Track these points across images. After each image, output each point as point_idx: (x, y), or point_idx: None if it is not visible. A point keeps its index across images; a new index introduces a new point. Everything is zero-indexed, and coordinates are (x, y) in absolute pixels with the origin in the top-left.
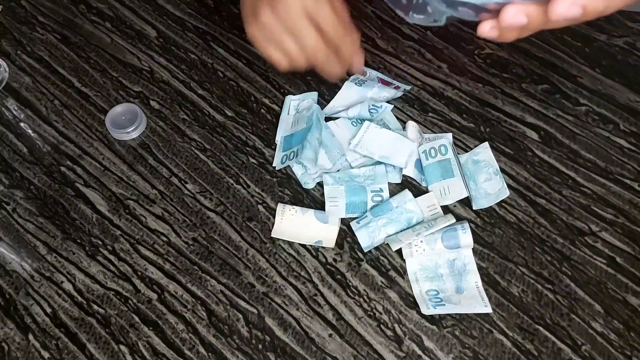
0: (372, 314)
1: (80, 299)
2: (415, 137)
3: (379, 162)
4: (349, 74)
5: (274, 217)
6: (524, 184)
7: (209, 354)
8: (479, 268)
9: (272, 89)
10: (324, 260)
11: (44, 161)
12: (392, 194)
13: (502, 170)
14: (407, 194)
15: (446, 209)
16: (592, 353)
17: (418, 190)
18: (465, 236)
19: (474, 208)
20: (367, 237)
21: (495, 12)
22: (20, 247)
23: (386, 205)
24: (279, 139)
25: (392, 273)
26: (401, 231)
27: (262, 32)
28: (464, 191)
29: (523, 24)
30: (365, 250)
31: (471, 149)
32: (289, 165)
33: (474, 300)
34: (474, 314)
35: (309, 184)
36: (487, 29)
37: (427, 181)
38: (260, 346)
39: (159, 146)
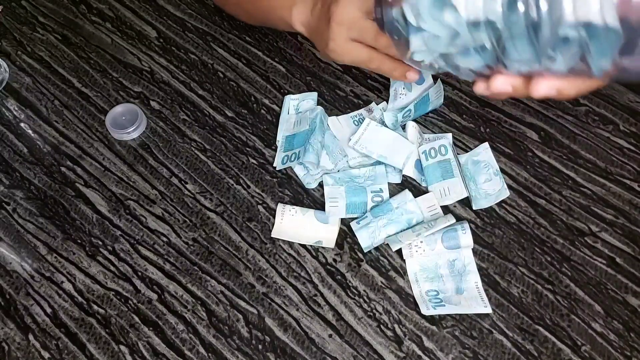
0: (372, 314)
1: (80, 299)
2: (415, 137)
3: (379, 162)
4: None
5: (274, 217)
6: (524, 185)
7: (209, 354)
8: (479, 268)
9: (272, 89)
10: (324, 260)
11: (45, 161)
12: (392, 194)
13: (502, 171)
14: (407, 194)
15: (446, 209)
16: (592, 353)
17: (418, 191)
18: (465, 237)
19: (474, 208)
20: (368, 237)
21: (489, 76)
22: (20, 247)
23: (386, 205)
24: (279, 139)
25: (392, 273)
26: (401, 231)
27: (340, 49)
28: (464, 191)
29: (509, 92)
30: (366, 251)
31: (471, 149)
32: (289, 166)
33: (474, 300)
34: (474, 314)
35: (311, 184)
36: (481, 89)
37: (427, 181)
38: (260, 346)
39: (159, 146)
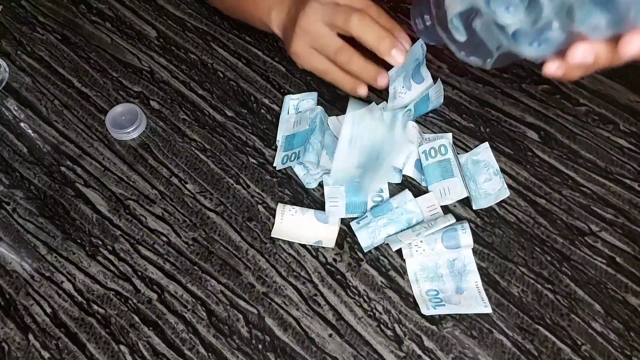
0: (372, 314)
1: (80, 299)
2: (415, 137)
3: None
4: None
5: (274, 217)
6: (524, 184)
7: (209, 354)
8: (479, 268)
9: (272, 89)
10: (324, 260)
11: (44, 161)
12: (392, 194)
13: (502, 170)
14: (407, 194)
15: (446, 209)
16: (592, 353)
17: (418, 190)
18: (465, 236)
19: (474, 208)
20: (367, 237)
21: (560, 53)
22: (20, 247)
23: (386, 205)
24: (279, 138)
25: (392, 273)
26: (401, 231)
27: (301, 55)
28: (464, 191)
29: (590, 63)
30: (365, 250)
31: (471, 149)
32: (289, 166)
33: (474, 300)
34: (474, 314)
35: (311, 184)
36: (553, 69)
37: (427, 181)
38: (260, 346)
39: (159, 146)
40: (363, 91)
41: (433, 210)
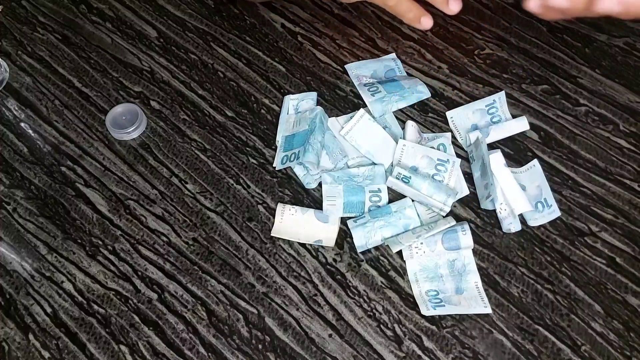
0: (372, 314)
1: (80, 298)
2: (414, 137)
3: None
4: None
5: (274, 217)
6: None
7: (209, 354)
8: (479, 268)
9: (272, 89)
10: (324, 260)
11: (45, 161)
12: (392, 195)
13: None
14: (407, 200)
15: None
16: (591, 353)
17: None
18: (465, 237)
19: (482, 207)
20: (363, 236)
21: None
22: (20, 247)
23: (385, 208)
24: (279, 139)
25: (392, 273)
26: (397, 235)
27: None
28: (464, 190)
29: (565, 7)
30: (359, 251)
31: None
32: (289, 166)
33: (474, 300)
34: (474, 314)
35: (311, 184)
36: (532, 5)
37: None
38: (260, 346)
39: (160, 146)
40: (428, 23)
41: (432, 212)
